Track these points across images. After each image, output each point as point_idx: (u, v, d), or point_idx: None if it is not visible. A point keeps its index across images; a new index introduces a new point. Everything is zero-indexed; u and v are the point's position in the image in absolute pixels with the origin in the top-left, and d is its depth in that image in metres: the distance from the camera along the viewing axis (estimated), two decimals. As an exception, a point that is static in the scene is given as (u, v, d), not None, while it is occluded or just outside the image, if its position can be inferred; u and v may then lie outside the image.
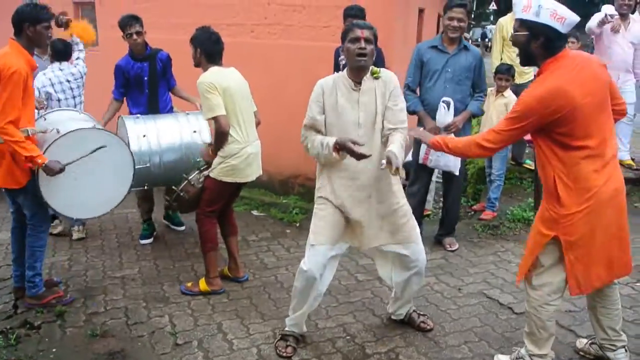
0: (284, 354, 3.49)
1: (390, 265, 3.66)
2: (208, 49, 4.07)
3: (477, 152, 3.14)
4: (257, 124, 4.41)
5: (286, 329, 3.63)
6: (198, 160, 4.42)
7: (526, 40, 2.88)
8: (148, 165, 4.71)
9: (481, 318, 3.96)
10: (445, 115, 4.73)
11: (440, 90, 4.84)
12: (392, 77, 3.40)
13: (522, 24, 2.89)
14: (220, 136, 4.03)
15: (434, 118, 4.84)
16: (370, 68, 3.33)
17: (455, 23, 4.76)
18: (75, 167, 3.88)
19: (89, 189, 4.01)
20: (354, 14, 5.04)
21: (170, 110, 5.35)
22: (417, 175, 5.12)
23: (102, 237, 5.43)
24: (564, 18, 2.79)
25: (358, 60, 3.23)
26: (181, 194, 4.26)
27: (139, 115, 5.04)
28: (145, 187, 4.94)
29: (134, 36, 5.01)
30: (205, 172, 4.19)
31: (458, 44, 4.86)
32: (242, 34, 6.37)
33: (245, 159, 4.13)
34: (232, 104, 4.02)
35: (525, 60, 3.02)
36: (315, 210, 3.46)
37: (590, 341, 3.47)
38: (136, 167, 4.63)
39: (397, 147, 3.18)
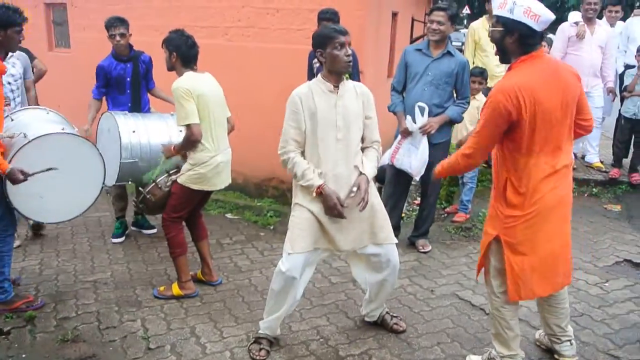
0: (258, 357, 3.49)
1: (364, 267, 3.68)
2: (184, 53, 4.03)
3: (463, 162, 3.13)
4: (231, 129, 4.38)
5: (260, 332, 3.62)
6: (162, 160, 4.39)
7: (501, 36, 2.93)
8: (136, 160, 4.69)
9: (453, 319, 4.00)
10: (418, 120, 4.77)
11: (418, 93, 4.88)
12: (365, 88, 3.49)
13: (497, 20, 2.94)
14: (190, 143, 4.00)
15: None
16: None
17: (434, 26, 4.80)
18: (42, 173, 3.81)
19: (59, 193, 3.95)
20: (328, 17, 5.06)
21: (148, 111, 5.36)
22: (394, 179, 5.13)
23: (74, 241, 5.36)
24: (538, 15, 2.83)
25: (347, 66, 3.29)
26: (147, 196, 4.22)
27: (126, 112, 5.06)
28: (129, 182, 4.92)
29: (117, 37, 5.05)
30: (174, 177, 4.16)
31: (443, 48, 4.89)
32: (216, 36, 6.35)
33: (214, 168, 4.10)
34: (206, 111, 3.99)
35: (502, 57, 3.04)
36: (292, 217, 3.45)
37: (543, 332, 3.58)
38: (125, 161, 4.60)
39: (371, 169, 3.41)
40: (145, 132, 4.83)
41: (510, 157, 2.96)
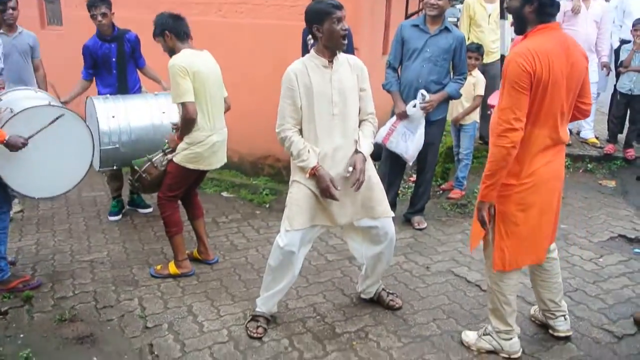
0: (255, 335, 3.51)
1: (361, 241, 3.70)
2: (173, 27, 3.99)
3: (504, 142, 2.83)
4: (227, 109, 4.36)
5: (257, 309, 3.64)
6: (165, 143, 4.38)
7: (520, 4, 2.90)
8: (117, 145, 4.67)
9: (449, 296, 4.03)
10: (418, 105, 4.76)
11: (417, 70, 4.86)
12: (359, 61, 3.48)
13: None
14: (187, 123, 3.98)
15: (407, 98, 4.87)
16: None
17: (433, 1, 4.75)
18: (33, 146, 3.79)
19: (49, 168, 3.95)
20: (321, -6, 5.00)
21: (139, 90, 5.32)
22: (390, 157, 5.12)
23: (70, 221, 5.36)
24: None
25: (343, 42, 3.29)
26: (143, 175, 4.21)
27: (108, 95, 5.01)
28: (114, 167, 4.91)
29: (99, 17, 4.97)
30: (169, 156, 4.14)
31: (440, 24, 4.85)
32: (209, 13, 6.28)
33: (210, 147, 4.09)
34: (202, 89, 3.96)
35: (519, 27, 3.00)
36: (290, 194, 3.46)
37: (536, 309, 3.64)
38: (105, 147, 4.57)
39: (367, 146, 3.41)
40: (125, 115, 4.77)
41: None
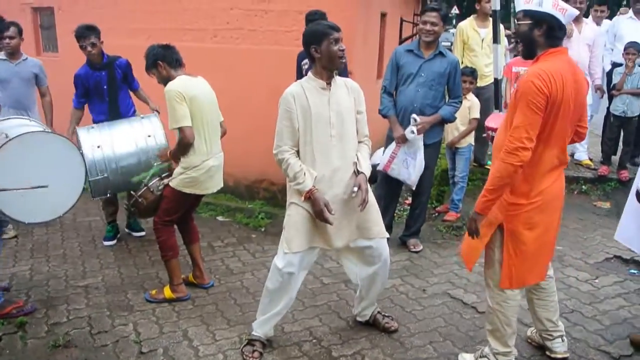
0: (251, 359, 3.49)
1: (356, 261, 3.69)
2: (165, 56, 4.04)
3: (514, 160, 2.85)
4: (223, 134, 4.39)
5: (253, 333, 3.62)
6: (156, 164, 4.38)
7: (529, 28, 2.98)
8: (106, 175, 4.66)
9: (445, 318, 4.01)
10: (415, 134, 4.79)
11: (412, 94, 4.89)
12: (355, 84, 3.54)
13: (525, 14, 2.99)
14: (184, 147, 3.99)
15: (402, 122, 4.91)
16: None
17: (428, 27, 4.81)
18: (25, 171, 3.79)
19: (41, 192, 3.93)
20: (317, 19, 5.06)
21: (133, 114, 5.32)
22: (386, 180, 5.12)
23: (64, 246, 5.34)
24: (565, 9, 2.92)
25: (341, 61, 3.34)
26: (139, 199, 4.21)
27: (93, 125, 5.01)
28: (109, 195, 4.91)
29: (89, 48, 5.02)
30: (166, 181, 4.15)
31: (434, 49, 4.90)
32: (204, 39, 6.34)
33: (206, 172, 4.10)
34: (199, 114, 3.98)
35: (528, 51, 3.07)
36: (287, 216, 3.46)
37: (535, 330, 3.63)
38: (94, 178, 4.57)
39: (366, 167, 3.46)
40: (111, 144, 4.74)
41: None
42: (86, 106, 5.31)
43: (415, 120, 4.77)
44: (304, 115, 3.33)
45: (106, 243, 5.37)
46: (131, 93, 5.40)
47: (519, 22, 3.06)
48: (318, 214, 3.30)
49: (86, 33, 5.01)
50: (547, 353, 3.50)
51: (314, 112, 3.32)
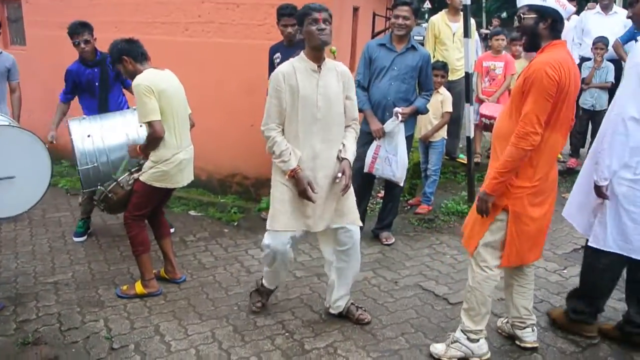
0: (254, 309, 3.92)
1: (331, 245, 3.78)
2: (129, 50, 3.99)
3: (525, 144, 2.99)
4: (192, 126, 4.37)
5: (263, 282, 3.94)
6: (127, 159, 4.34)
7: (535, 22, 3.10)
8: (96, 164, 4.60)
9: (417, 310, 4.05)
10: (394, 123, 4.81)
11: (385, 87, 4.90)
12: (346, 68, 3.60)
13: (530, 8, 3.11)
14: (154, 141, 3.96)
15: (376, 115, 4.92)
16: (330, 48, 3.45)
17: (400, 21, 4.82)
18: None
19: (4, 188, 3.89)
20: (288, 13, 5.05)
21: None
22: (359, 174, 5.12)
23: (33, 242, 5.26)
24: (565, 5, 3.07)
25: (320, 41, 3.36)
26: (109, 194, 4.16)
27: (85, 116, 4.96)
28: (99, 187, 4.79)
29: (82, 45, 4.96)
30: (135, 175, 4.11)
31: (406, 42, 4.92)
32: (176, 32, 6.28)
33: (177, 165, 4.07)
34: (168, 107, 3.95)
35: (531, 43, 3.18)
36: (272, 192, 3.59)
37: (504, 319, 3.72)
38: (83, 167, 4.51)
39: (351, 153, 3.55)
40: (101, 134, 4.72)
41: None
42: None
43: (398, 116, 4.78)
44: (292, 95, 3.42)
45: (76, 239, 5.29)
46: (125, 90, 5.35)
47: (524, 16, 3.15)
48: (301, 193, 3.42)
49: (80, 29, 4.95)
50: (517, 342, 3.56)
51: (302, 93, 3.41)
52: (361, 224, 3.74)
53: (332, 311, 3.90)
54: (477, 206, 3.23)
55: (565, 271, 4.66)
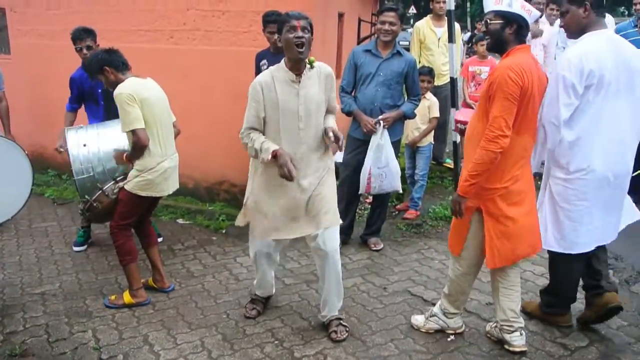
0: (247, 315, 3.98)
1: (312, 244, 3.72)
2: (111, 60, 3.99)
3: (494, 147, 3.12)
4: (177, 134, 4.36)
5: (256, 293, 4.09)
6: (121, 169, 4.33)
7: (501, 27, 3.27)
8: (92, 174, 4.57)
9: (406, 315, 4.05)
10: (378, 136, 4.86)
11: (371, 93, 4.91)
12: (328, 69, 3.59)
13: (496, 14, 3.28)
14: (138, 149, 3.95)
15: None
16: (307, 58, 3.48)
17: (387, 26, 4.84)
18: None
19: None
20: (274, 20, 5.04)
21: None
22: (348, 180, 5.14)
23: (20, 253, 5.21)
24: (530, 11, 3.26)
25: (298, 52, 3.36)
26: (94, 204, 4.15)
27: (82, 125, 4.94)
28: (85, 196, 4.75)
29: (84, 50, 4.90)
30: (121, 184, 4.10)
31: (392, 48, 4.94)
32: (161, 40, 6.26)
33: (162, 174, 4.06)
34: (151, 116, 3.95)
35: (498, 47, 3.35)
36: (253, 202, 3.70)
37: (493, 324, 3.76)
38: (80, 177, 4.49)
39: (333, 125, 3.56)
40: (97, 143, 4.69)
41: None
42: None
43: (380, 122, 4.80)
44: (272, 106, 3.44)
45: (76, 248, 5.23)
46: None
47: (491, 22, 3.30)
48: (282, 166, 3.34)
49: (83, 35, 4.91)
50: (506, 347, 3.58)
51: (282, 105, 3.42)
52: (339, 222, 3.70)
53: (321, 319, 3.88)
54: (451, 208, 3.40)
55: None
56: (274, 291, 4.17)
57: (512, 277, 3.54)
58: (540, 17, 7.06)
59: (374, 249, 5.22)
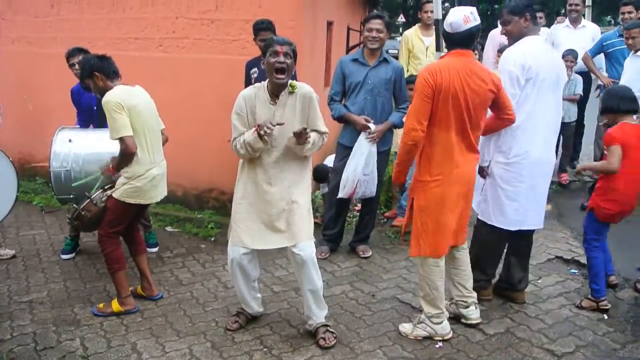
0: (228, 327, 3.93)
1: (290, 256, 3.81)
2: (103, 68, 4.00)
3: (407, 139, 3.59)
4: (165, 141, 4.37)
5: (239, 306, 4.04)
6: (97, 171, 4.32)
7: (446, 34, 3.70)
8: (68, 168, 4.55)
9: (395, 322, 4.07)
10: (366, 143, 4.92)
11: (361, 102, 4.94)
12: (311, 92, 3.63)
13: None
14: (126, 157, 3.95)
15: (354, 131, 4.96)
16: (289, 82, 3.55)
17: (374, 34, 4.88)
18: None
19: None
20: (264, 28, 5.07)
21: None
22: (338, 187, 5.14)
23: (7, 261, 5.16)
24: (469, 21, 3.60)
25: (277, 77, 3.46)
26: (82, 212, 4.14)
27: (77, 126, 5.04)
28: (71, 196, 4.66)
29: (76, 66, 4.92)
30: (109, 192, 4.10)
31: (378, 56, 4.97)
32: (150, 48, 6.27)
33: (150, 181, 4.07)
34: (139, 123, 3.95)
35: (449, 49, 3.76)
36: (234, 210, 3.76)
37: (449, 302, 4.06)
38: (56, 169, 4.48)
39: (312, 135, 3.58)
40: (84, 142, 4.68)
41: (429, 130, 3.57)
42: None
43: (369, 129, 4.84)
44: (252, 120, 3.55)
45: (64, 257, 5.21)
46: None
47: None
48: (261, 126, 3.39)
49: (75, 52, 5.05)
50: (463, 320, 3.98)
51: (258, 121, 3.50)
52: (313, 239, 3.73)
53: (307, 327, 3.89)
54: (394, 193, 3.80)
55: (539, 281, 4.73)
56: (259, 310, 4.05)
57: (460, 259, 3.92)
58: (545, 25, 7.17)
59: (363, 256, 5.24)
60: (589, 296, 4.23)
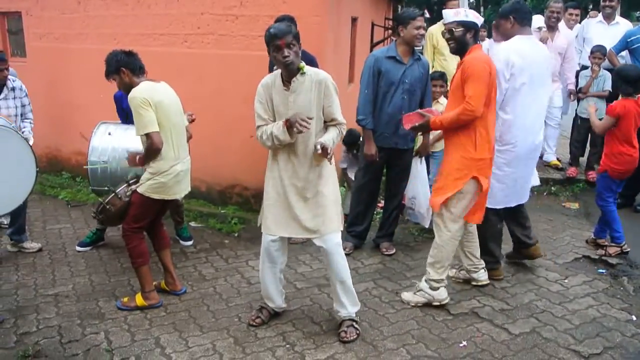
0: (251, 322, 3.95)
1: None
2: (128, 63, 4.01)
3: (467, 118, 3.85)
4: (189, 138, 4.37)
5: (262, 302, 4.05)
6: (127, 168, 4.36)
7: (463, 33, 3.98)
8: (106, 164, 4.58)
9: (418, 320, 4.04)
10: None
11: (399, 102, 4.85)
12: (326, 79, 3.60)
13: (459, 23, 3.98)
14: (152, 153, 3.96)
15: (389, 130, 4.92)
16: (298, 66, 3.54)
17: (422, 31, 4.83)
18: None
19: None
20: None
21: None
22: (366, 185, 5.16)
23: (34, 255, 5.24)
24: (479, 18, 4.06)
25: (285, 67, 3.49)
26: (107, 206, 4.17)
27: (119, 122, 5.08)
28: (107, 188, 4.63)
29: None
30: (133, 187, 4.12)
31: (412, 54, 4.90)
32: (175, 43, 6.30)
33: (174, 177, 4.07)
34: (165, 119, 3.96)
35: (460, 48, 4.03)
36: (264, 199, 3.79)
37: (457, 269, 4.65)
38: (93, 166, 4.51)
39: (327, 137, 3.55)
40: (124, 136, 4.71)
41: (484, 112, 3.87)
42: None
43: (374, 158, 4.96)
44: (270, 109, 3.62)
45: (79, 248, 5.28)
46: None
47: (455, 30, 3.98)
48: (293, 122, 3.38)
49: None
50: (473, 283, 4.51)
51: (276, 109, 3.58)
52: (341, 227, 3.77)
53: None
54: (419, 126, 4.16)
55: (566, 281, 4.65)
56: (283, 305, 4.05)
57: (472, 232, 4.37)
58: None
59: (386, 253, 5.21)
60: (612, 242, 5.15)
